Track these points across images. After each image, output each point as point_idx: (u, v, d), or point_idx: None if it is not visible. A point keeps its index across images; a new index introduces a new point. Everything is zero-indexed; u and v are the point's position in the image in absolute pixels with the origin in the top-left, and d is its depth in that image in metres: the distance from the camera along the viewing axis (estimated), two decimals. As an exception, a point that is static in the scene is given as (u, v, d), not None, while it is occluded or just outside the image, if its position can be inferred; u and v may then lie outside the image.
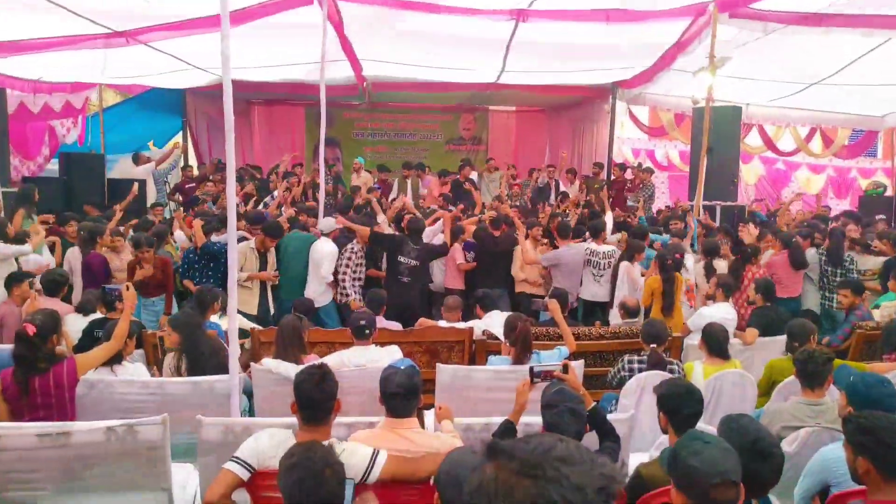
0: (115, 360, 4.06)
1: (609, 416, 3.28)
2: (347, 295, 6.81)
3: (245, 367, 4.60)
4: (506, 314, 4.96)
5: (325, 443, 2.71)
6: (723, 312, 5.44)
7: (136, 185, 8.93)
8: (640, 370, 4.43)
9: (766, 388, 4.48)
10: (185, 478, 3.48)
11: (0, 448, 3.05)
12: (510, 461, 1.11)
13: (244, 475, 2.67)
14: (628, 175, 11.74)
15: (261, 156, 14.53)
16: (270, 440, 2.75)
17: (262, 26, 7.15)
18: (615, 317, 6.39)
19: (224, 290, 4.58)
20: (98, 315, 5.15)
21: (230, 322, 3.74)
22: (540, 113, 15.85)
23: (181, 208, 9.54)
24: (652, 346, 4.50)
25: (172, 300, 6.55)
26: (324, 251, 6.78)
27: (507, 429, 3.21)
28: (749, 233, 7.65)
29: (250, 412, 4.46)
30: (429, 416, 4.38)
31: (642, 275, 6.62)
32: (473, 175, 11.62)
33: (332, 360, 4.20)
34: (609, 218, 8.30)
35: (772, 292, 5.84)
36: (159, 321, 6.08)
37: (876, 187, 13.64)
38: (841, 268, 7.15)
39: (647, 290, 6.26)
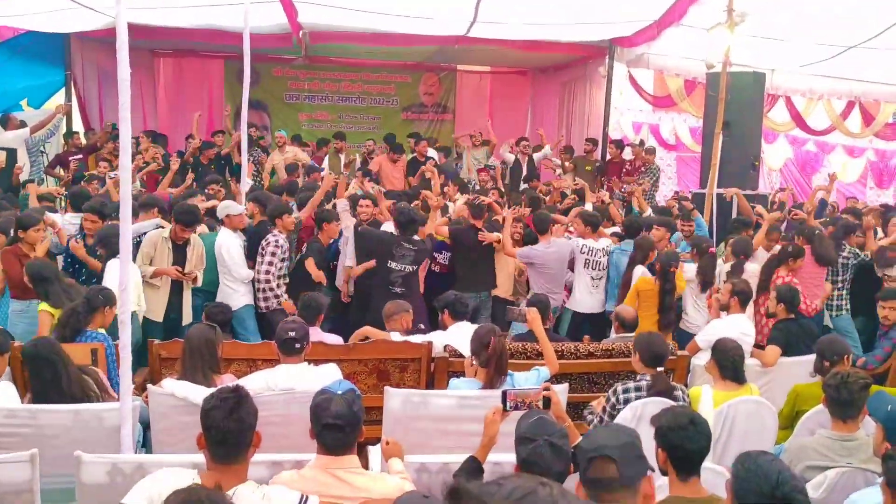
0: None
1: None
2: (274, 297, 6.72)
3: (141, 389, 4.52)
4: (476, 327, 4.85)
5: (239, 486, 2.68)
6: (738, 326, 5.51)
7: (2, 156, 8.73)
8: (638, 399, 4.41)
9: (790, 420, 4.58)
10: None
11: None
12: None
13: (135, 528, 2.64)
14: (627, 155, 11.82)
15: (167, 121, 14.36)
16: (168, 483, 2.70)
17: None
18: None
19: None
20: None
21: (121, 331, 3.68)
22: (520, 75, 15.91)
23: (62, 185, 9.34)
24: (658, 369, 4.39)
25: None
26: (230, 245, 6.68)
27: (473, 468, 3.22)
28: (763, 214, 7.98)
29: (145, 446, 4.41)
30: (374, 452, 4.37)
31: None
32: (432, 153, 11.57)
33: (253, 382, 4.17)
34: (588, 207, 8.27)
35: (796, 302, 5.93)
36: None
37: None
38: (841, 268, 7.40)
39: (633, 290, 6.37)
